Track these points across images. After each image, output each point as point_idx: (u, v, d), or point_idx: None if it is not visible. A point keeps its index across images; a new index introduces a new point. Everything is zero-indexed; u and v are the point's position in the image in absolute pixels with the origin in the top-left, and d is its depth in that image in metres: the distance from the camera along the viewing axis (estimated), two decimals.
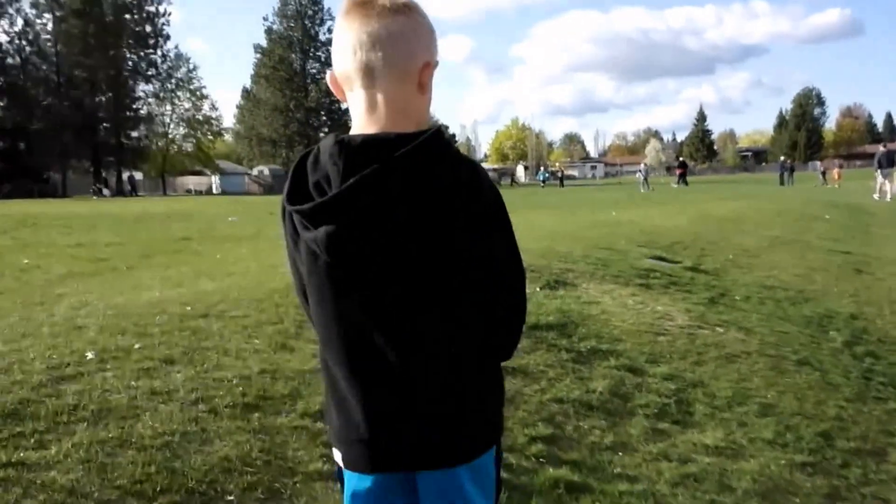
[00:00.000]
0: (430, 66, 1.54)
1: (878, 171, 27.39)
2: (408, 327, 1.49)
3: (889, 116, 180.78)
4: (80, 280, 7.05)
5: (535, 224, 12.88)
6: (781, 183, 46.95)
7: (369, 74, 1.50)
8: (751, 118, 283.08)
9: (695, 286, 8.09)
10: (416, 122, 1.52)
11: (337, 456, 1.62)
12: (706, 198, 26.35)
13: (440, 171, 1.45)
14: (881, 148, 30.24)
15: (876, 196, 26.94)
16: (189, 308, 5.12)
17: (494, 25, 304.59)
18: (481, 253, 1.50)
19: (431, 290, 1.49)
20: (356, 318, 1.50)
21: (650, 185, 44.32)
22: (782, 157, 59.31)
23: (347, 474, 1.61)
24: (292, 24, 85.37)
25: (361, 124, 1.53)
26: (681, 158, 71.62)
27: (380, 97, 1.51)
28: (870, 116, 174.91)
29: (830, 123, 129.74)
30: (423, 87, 1.54)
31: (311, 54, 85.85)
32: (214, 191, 79.19)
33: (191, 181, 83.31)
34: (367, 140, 1.46)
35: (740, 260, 10.67)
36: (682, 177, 52.94)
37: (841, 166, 54.03)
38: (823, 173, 49.74)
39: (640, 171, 47.10)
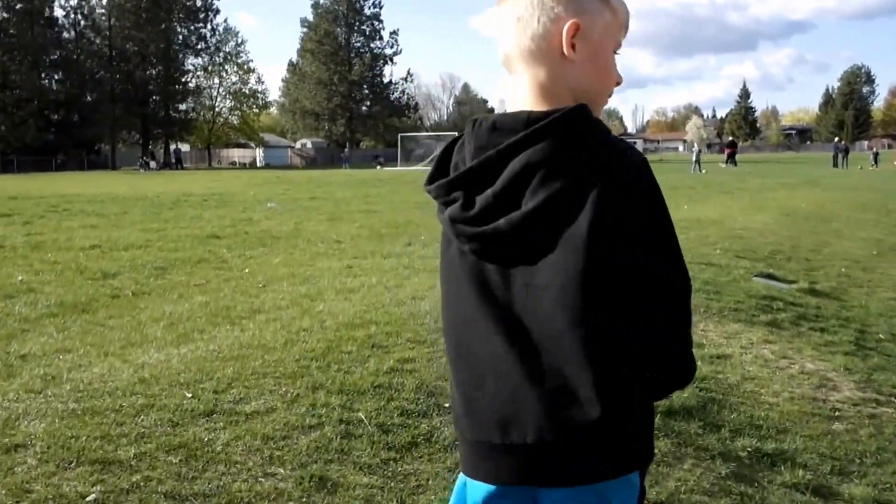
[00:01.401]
0: (578, 30, 1.36)
1: None
2: (536, 325, 1.33)
3: None
4: (64, 321, 5.63)
5: None
6: (835, 165, 44.72)
7: (509, 59, 1.42)
8: (794, 96, 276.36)
9: (826, 320, 6.54)
10: (574, 97, 1.36)
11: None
12: (770, 184, 24.95)
13: (575, 153, 1.29)
14: None
15: None
16: (189, 395, 3.65)
17: None
18: (625, 255, 1.29)
19: (562, 290, 1.30)
20: (476, 310, 1.38)
21: (702, 166, 41.94)
22: (836, 138, 56.51)
23: (465, 480, 1.48)
24: None
25: (510, 105, 1.42)
26: (730, 138, 69.08)
27: (520, 79, 1.41)
28: None
29: (879, 102, 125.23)
30: (569, 56, 1.36)
31: (355, 28, 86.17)
32: (258, 164, 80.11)
33: (235, 154, 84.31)
34: (497, 120, 1.36)
35: (855, 274, 9.07)
36: (731, 157, 50.52)
37: (890, 146, 51.19)
38: (876, 155, 46.61)
39: (693, 150, 44.50)
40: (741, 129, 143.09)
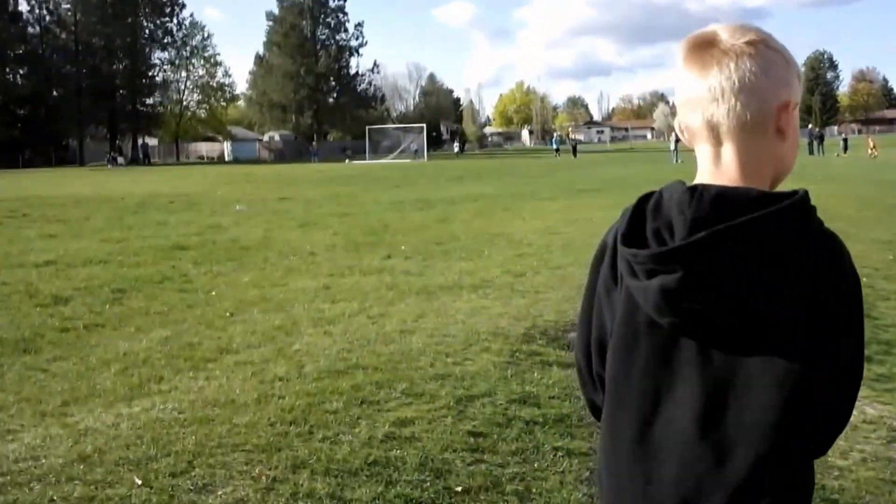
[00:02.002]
0: (789, 106, 1.33)
1: None
2: (730, 406, 1.28)
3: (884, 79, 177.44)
4: (0, 365, 4.89)
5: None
6: (811, 152, 44.49)
7: (714, 130, 1.33)
8: None
9: (867, 345, 5.86)
10: (774, 174, 1.36)
11: None
12: None
13: (802, 242, 1.26)
14: None
15: None
16: (139, 482, 3.00)
17: None
18: (828, 349, 1.26)
19: (780, 383, 1.26)
20: (664, 388, 1.32)
21: (680, 155, 41.64)
22: (809, 125, 56.55)
23: None
24: None
25: (707, 177, 1.34)
26: None
27: (727, 152, 1.33)
28: (885, 80, 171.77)
29: (844, 88, 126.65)
30: (783, 133, 1.34)
31: (321, 21, 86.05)
32: (226, 157, 79.02)
33: (203, 147, 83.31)
34: (723, 193, 1.26)
35: (878, 284, 7.81)
36: None
37: (860, 132, 51.36)
38: (846, 140, 46.44)
39: (671, 140, 44.18)
40: None
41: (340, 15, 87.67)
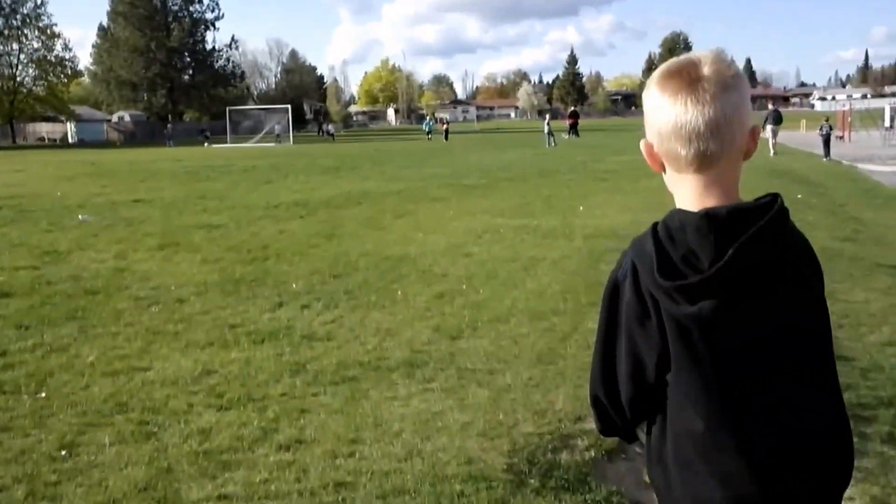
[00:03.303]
0: (755, 131, 1.51)
1: (767, 128, 30.18)
2: (793, 395, 1.48)
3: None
4: None
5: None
6: None
7: (705, 160, 1.46)
8: (615, 61, 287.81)
9: None
10: (737, 186, 1.52)
11: None
12: (638, 163, 23.60)
13: (794, 237, 1.49)
14: (770, 106, 35.72)
15: (770, 154, 28.92)
16: None
17: None
18: (826, 318, 1.54)
19: (812, 355, 1.51)
20: (735, 389, 1.47)
21: (554, 138, 41.12)
22: None
23: None
24: None
25: (694, 202, 1.49)
26: (572, 108, 69.56)
27: (714, 177, 1.48)
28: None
29: None
30: (750, 153, 1.52)
31: None
32: (70, 140, 73.20)
33: (44, 128, 76.83)
34: (733, 211, 1.43)
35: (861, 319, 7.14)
36: (574, 127, 50.18)
37: None
38: None
39: (545, 123, 43.45)
40: (569, 94, 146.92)
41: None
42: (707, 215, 1.42)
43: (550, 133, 41.13)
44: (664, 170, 1.54)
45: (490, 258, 9.37)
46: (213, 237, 11.51)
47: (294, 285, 8.05)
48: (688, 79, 1.43)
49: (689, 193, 1.48)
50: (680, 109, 1.43)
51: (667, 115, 1.45)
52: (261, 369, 5.36)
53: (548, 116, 48.34)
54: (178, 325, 6.61)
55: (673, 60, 1.50)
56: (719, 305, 1.40)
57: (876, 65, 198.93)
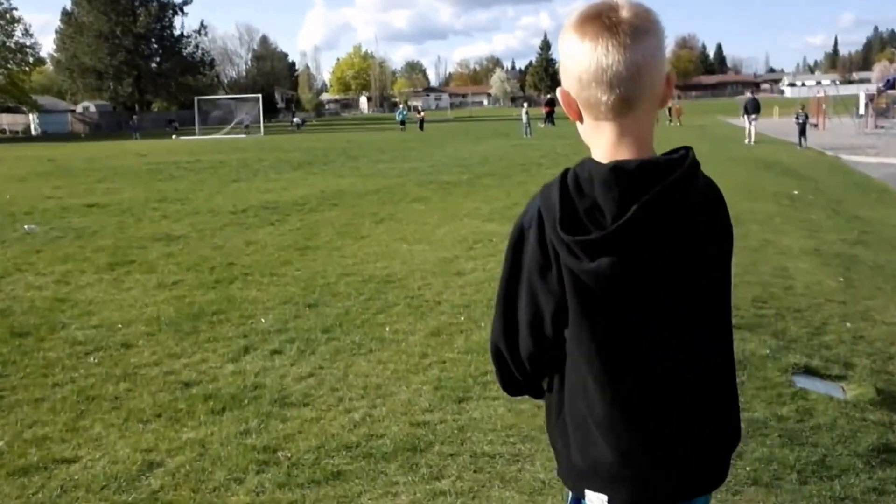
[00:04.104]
0: (671, 79, 1.47)
1: (745, 116, 30.57)
2: (687, 350, 1.47)
3: (719, 47, 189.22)
4: None
5: None
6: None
7: (625, 106, 1.42)
8: None
9: None
10: (652, 137, 1.48)
11: (596, 499, 1.51)
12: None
13: (703, 189, 1.45)
14: (748, 94, 35.62)
15: (746, 141, 29.54)
16: None
17: None
18: (728, 269, 1.53)
19: (710, 310, 1.49)
20: (629, 345, 1.46)
21: (532, 128, 40.07)
22: None
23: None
24: None
25: (608, 152, 1.45)
26: (549, 96, 68.47)
27: (631, 125, 1.44)
28: (703, 47, 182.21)
29: (666, 54, 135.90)
30: (664, 103, 1.49)
31: None
32: (33, 131, 70.90)
33: (4, 119, 74.37)
34: (642, 166, 1.38)
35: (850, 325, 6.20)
36: (550, 115, 49.12)
37: (679, 97, 53.33)
38: (669, 110, 46.48)
39: (524, 113, 42.17)
40: (543, 81, 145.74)
41: None
42: (615, 168, 1.39)
43: (528, 124, 40.00)
44: (581, 119, 1.50)
45: (486, 278, 8.20)
46: (171, 252, 10.22)
47: (263, 320, 6.84)
48: (607, 22, 1.39)
49: (604, 143, 1.46)
50: (601, 53, 1.38)
51: (587, 60, 1.40)
52: (219, 461, 4.14)
53: (525, 105, 47.10)
54: (120, 384, 5.37)
55: (590, 4, 1.44)
56: (618, 262, 1.38)
57: (843, 51, 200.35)
